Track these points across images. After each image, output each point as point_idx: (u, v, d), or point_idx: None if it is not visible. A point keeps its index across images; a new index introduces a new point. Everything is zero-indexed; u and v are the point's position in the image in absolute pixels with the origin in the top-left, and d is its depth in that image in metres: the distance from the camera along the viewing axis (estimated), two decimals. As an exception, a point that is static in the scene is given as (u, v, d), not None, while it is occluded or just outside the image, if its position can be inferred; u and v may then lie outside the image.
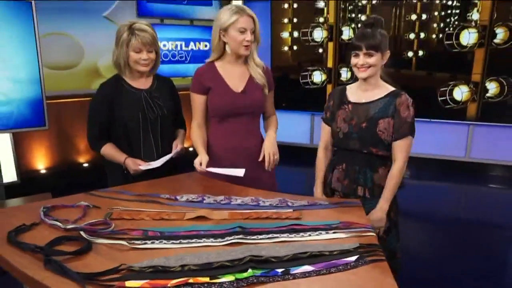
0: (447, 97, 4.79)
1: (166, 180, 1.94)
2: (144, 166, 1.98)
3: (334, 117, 1.91)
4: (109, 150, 2.04)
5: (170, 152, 2.07)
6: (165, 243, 1.28)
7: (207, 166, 1.86)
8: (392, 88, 1.84)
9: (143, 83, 2.08)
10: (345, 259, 1.19)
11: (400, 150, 1.77)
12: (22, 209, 1.56)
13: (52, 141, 4.29)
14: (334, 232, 1.36)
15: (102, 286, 1.05)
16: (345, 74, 5.17)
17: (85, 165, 4.53)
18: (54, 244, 1.26)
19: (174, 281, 1.07)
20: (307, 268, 1.15)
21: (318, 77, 5.33)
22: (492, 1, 4.44)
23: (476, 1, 4.51)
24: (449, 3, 4.61)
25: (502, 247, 3.29)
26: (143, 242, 1.29)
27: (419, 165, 5.14)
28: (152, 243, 1.28)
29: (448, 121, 4.89)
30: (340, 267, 1.15)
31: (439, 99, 4.82)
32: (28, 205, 1.61)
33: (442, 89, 4.78)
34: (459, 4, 4.59)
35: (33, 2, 2.47)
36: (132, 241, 1.28)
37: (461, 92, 4.74)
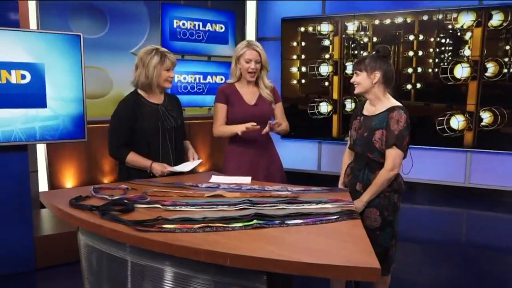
0: (445, 126, 5.16)
1: (187, 176, 2.34)
2: (171, 168, 2.31)
3: (352, 126, 2.26)
4: (133, 157, 2.32)
5: (183, 159, 2.45)
6: (190, 208, 1.67)
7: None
8: (392, 104, 2.11)
9: (158, 99, 2.43)
10: (328, 217, 1.55)
11: (388, 157, 2.03)
12: (76, 190, 1.96)
13: (80, 162, 4.72)
14: (323, 204, 1.72)
15: (146, 227, 1.43)
16: (349, 105, 5.61)
17: (109, 185, 4.93)
18: (104, 206, 1.65)
19: (198, 225, 1.44)
20: (298, 221, 1.51)
21: (324, 108, 5.78)
22: (482, 39, 4.90)
23: (467, 39, 4.97)
24: (443, 41, 5.08)
25: (502, 271, 3.36)
26: (174, 206, 1.67)
27: (421, 191, 5.44)
28: (180, 207, 1.67)
29: (447, 148, 5.22)
30: (324, 221, 1.52)
31: (437, 127, 5.18)
32: (80, 187, 2.02)
33: (440, 118, 5.16)
34: (451, 42, 5.05)
35: (81, 35, 2.99)
36: (165, 206, 1.67)
37: (457, 121, 5.11)
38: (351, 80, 2.19)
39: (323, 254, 1.23)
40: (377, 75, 2.09)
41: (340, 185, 2.30)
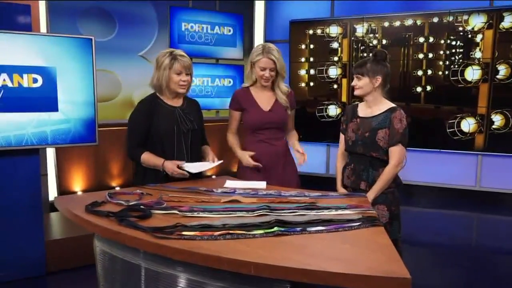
0: (455, 129, 5.11)
1: (201, 181, 2.31)
2: (183, 165, 2.21)
3: (346, 128, 2.33)
4: (147, 157, 2.29)
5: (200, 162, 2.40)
6: (208, 213, 1.64)
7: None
8: (391, 105, 2.24)
9: (176, 102, 2.40)
10: (350, 224, 1.52)
11: (393, 154, 2.17)
12: (92, 195, 1.93)
13: (89, 165, 4.71)
14: (342, 210, 1.69)
15: (166, 234, 1.40)
16: (358, 107, 5.56)
17: (117, 188, 4.92)
18: (122, 212, 1.62)
19: (218, 232, 1.41)
20: (320, 228, 1.48)
21: (333, 110, 5.75)
22: (493, 41, 4.85)
23: (478, 41, 4.93)
24: (453, 43, 5.03)
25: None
26: (191, 212, 1.64)
27: (432, 194, 5.38)
28: (198, 213, 1.64)
29: (458, 151, 5.17)
30: (346, 228, 1.48)
31: (448, 130, 5.13)
32: (96, 193, 1.99)
33: (450, 121, 5.11)
34: (462, 44, 5.00)
35: (93, 38, 2.98)
36: (182, 212, 1.64)
37: (468, 124, 5.05)
38: (352, 84, 2.28)
39: (350, 263, 1.19)
40: (379, 79, 2.20)
41: (339, 189, 2.36)
